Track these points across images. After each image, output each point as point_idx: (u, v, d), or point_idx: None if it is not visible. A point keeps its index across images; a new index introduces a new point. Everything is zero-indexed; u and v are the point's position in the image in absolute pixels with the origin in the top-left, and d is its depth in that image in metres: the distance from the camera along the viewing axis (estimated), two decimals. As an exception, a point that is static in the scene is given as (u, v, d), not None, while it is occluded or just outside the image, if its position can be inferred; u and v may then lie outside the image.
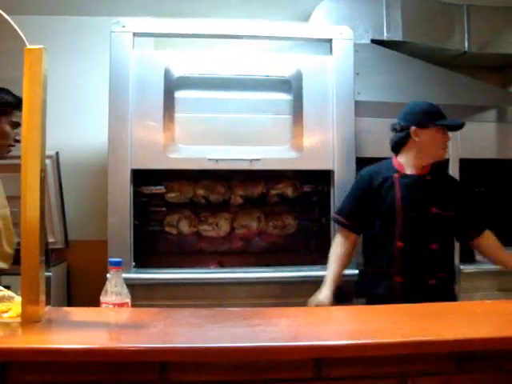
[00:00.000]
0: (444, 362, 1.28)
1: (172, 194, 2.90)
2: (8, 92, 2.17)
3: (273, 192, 2.97)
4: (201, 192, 2.91)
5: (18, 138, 2.22)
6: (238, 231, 2.97)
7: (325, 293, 2.25)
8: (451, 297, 2.35)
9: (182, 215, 2.93)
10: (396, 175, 2.31)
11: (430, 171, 2.34)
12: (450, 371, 1.29)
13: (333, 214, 2.55)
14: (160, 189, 2.89)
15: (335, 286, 2.28)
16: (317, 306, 2.18)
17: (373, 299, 2.29)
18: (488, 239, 2.39)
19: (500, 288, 2.96)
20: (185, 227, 2.91)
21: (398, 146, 2.35)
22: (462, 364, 1.29)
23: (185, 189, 2.90)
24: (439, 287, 2.25)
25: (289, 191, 2.95)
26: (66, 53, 3.27)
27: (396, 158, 2.37)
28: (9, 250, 2.09)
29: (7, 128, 2.14)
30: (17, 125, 2.22)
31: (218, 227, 2.94)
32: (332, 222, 2.64)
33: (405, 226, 2.25)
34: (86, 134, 3.33)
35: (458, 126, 2.38)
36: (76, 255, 3.32)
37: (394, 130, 2.35)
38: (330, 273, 2.32)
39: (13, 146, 2.25)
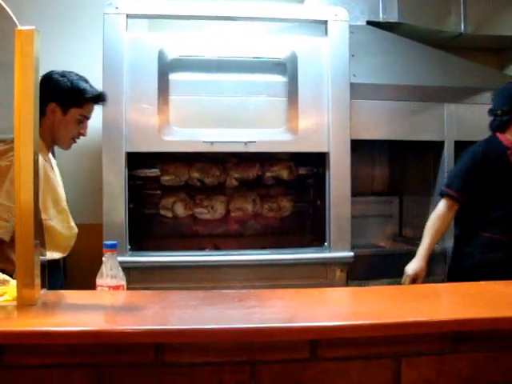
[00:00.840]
0: (438, 343, 1.30)
1: (167, 177, 2.89)
2: (86, 82, 2.14)
3: (268, 174, 2.96)
4: (196, 175, 2.90)
5: (82, 131, 2.23)
6: (233, 214, 2.97)
7: (421, 264, 2.43)
8: None
9: (177, 198, 2.92)
10: (509, 152, 2.52)
11: None
12: (444, 351, 1.30)
13: (442, 188, 2.60)
14: (155, 172, 2.88)
15: (429, 258, 2.46)
16: (414, 276, 2.39)
17: (486, 266, 2.43)
18: None
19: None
20: (180, 210, 2.91)
21: (502, 127, 2.55)
22: (456, 344, 1.30)
23: (180, 172, 2.89)
24: None
25: (284, 174, 2.94)
26: (58, 34, 3.23)
27: (502, 135, 2.55)
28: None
29: (75, 121, 2.14)
30: (86, 119, 2.22)
31: (213, 210, 2.94)
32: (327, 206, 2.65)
33: None
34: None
35: None
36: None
37: (495, 114, 2.57)
38: (426, 245, 2.48)
39: (77, 139, 2.27)
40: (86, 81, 2.19)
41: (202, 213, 2.93)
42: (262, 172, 2.96)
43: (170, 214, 2.93)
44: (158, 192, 3.00)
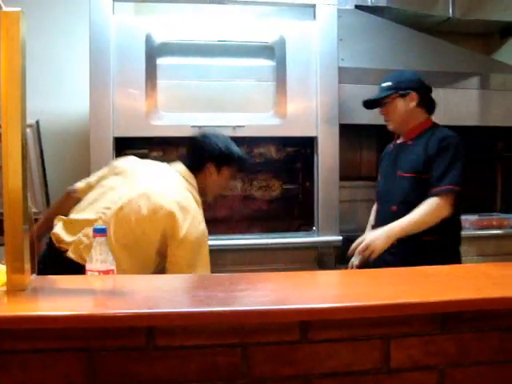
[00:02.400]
0: (426, 324, 1.31)
1: (155, 154, 2.88)
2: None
3: (256, 151, 2.96)
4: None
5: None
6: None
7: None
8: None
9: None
10: None
11: None
12: (432, 332, 1.32)
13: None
14: (143, 152, 2.86)
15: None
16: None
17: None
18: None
19: (480, 253, 3.02)
20: None
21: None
22: (444, 325, 1.32)
23: (168, 150, 2.89)
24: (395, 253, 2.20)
25: (272, 151, 2.94)
26: (43, 17, 3.18)
27: None
28: None
29: (227, 178, 2.26)
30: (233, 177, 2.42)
31: None
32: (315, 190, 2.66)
33: None
34: (66, 101, 3.27)
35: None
36: (59, 225, 3.29)
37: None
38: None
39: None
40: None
41: None
42: (250, 150, 2.97)
43: None
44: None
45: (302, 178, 3.06)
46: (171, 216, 1.90)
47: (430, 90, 2.40)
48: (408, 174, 2.31)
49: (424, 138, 2.32)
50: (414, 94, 2.32)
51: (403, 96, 2.33)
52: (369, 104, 2.44)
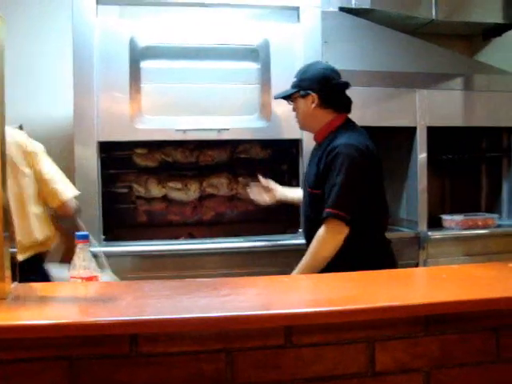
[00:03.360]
0: (410, 326, 1.32)
1: (139, 151, 2.91)
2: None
3: (240, 148, 2.99)
4: (169, 153, 2.94)
5: None
6: (208, 189, 2.97)
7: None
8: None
9: (151, 176, 2.94)
10: None
11: None
12: (417, 334, 1.32)
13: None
14: (128, 153, 2.90)
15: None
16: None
17: None
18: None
19: (466, 253, 3.03)
20: (153, 186, 2.91)
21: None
22: (428, 327, 1.33)
23: (153, 152, 2.92)
24: None
25: (257, 150, 2.98)
26: (24, 20, 3.16)
27: None
28: None
29: None
30: None
31: (187, 188, 2.93)
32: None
33: None
34: (50, 105, 3.24)
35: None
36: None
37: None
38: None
39: None
40: None
41: (176, 189, 2.92)
42: (234, 152, 2.99)
43: (143, 191, 2.92)
44: (133, 171, 2.99)
45: (288, 179, 3.06)
46: None
47: (338, 87, 2.17)
48: (307, 187, 2.20)
49: (324, 144, 2.13)
50: (313, 96, 2.14)
51: (303, 96, 2.17)
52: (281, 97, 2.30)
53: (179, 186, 2.94)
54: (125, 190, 2.96)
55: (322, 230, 2.00)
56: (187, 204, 3.04)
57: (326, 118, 2.17)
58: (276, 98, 2.39)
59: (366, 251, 2.07)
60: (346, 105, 2.20)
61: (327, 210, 1.98)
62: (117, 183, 2.97)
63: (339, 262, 1.96)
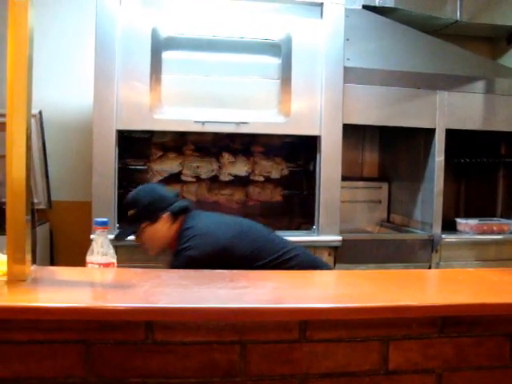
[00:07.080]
0: (425, 327, 1.31)
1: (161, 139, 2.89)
2: None
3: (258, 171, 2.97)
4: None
5: None
6: (222, 178, 2.95)
7: None
8: None
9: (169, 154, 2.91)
10: None
11: None
12: (431, 335, 1.32)
13: None
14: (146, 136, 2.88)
15: None
16: None
17: None
18: None
19: (479, 258, 3.02)
20: (170, 164, 2.88)
21: None
22: (443, 329, 1.32)
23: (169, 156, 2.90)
24: None
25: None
26: (51, 7, 3.18)
27: None
28: None
29: None
30: None
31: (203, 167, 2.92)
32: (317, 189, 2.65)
33: None
34: (70, 92, 3.26)
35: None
36: (59, 216, 3.30)
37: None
38: None
39: None
40: None
41: (195, 166, 2.89)
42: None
43: (159, 168, 2.87)
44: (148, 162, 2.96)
45: (305, 177, 3.05)
46: None
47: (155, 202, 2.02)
48: None
49: None
50: (166, 215, 2.01)
51: (155, 222, 2.01)
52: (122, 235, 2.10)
53: (198, 164, 2.90)
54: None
55: None
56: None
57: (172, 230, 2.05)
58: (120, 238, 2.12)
59: None
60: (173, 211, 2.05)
61: None
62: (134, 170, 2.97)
63: None
